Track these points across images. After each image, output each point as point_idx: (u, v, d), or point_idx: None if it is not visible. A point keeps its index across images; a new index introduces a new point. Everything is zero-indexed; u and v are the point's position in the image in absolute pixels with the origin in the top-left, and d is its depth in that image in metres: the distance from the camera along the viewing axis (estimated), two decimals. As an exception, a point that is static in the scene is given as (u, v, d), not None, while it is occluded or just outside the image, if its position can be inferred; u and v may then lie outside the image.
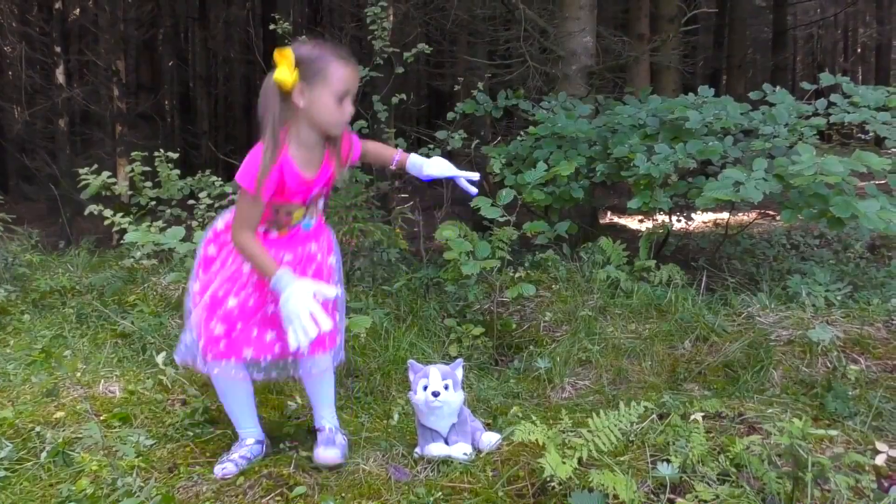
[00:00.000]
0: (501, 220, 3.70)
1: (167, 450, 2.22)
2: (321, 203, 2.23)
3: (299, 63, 1.96)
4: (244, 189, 2.00)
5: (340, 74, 1.98)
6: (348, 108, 2.03)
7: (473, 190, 2.36)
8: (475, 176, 2.34)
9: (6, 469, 2.05)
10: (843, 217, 3.52)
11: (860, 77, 26.26)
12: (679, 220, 5.43)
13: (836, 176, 3.48)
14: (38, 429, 2.25)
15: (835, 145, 6.88)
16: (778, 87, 4.53)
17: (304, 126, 2.03)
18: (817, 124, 4.14)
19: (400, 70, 5.13)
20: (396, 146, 5.06)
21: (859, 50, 28.16)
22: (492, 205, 3.70)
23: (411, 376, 2.18)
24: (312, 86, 1.97)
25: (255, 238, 2.06)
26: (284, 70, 1.96)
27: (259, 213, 2.05)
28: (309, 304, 1.90)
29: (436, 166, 2.33)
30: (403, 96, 5.02)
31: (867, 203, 3.52)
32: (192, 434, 2.33)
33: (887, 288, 3.89)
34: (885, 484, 1.87)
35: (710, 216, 7.39)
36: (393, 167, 2.36)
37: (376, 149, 2.41)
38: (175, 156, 4.59)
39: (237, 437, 2.24)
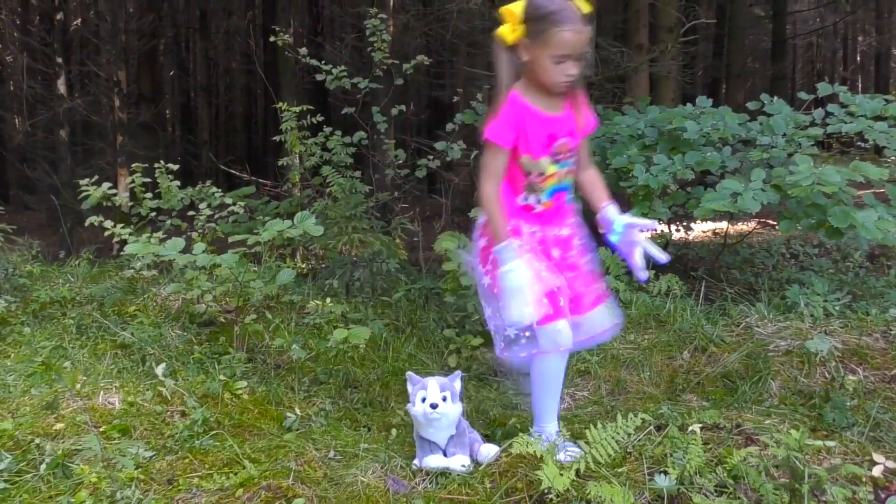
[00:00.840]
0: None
1: (166, 462, 2.22)
2: (572, 162, 2.23)
3: (526, 20, 2.07)
4: (485, 139, 2.12)
5: (560, 39, 2.03)
6: (570, 70, 2.07)
7: (663, 257, 2.24)
8: (663, 258, 2.24)
9: (6, 481, 2.05)
10: (840, 227, 3.53)
11: (860, 86, 26.33)
12: (678, 230, 5.43)
13: (833, 186, 3.49)
14: (37, 441, 2.25)
15: (835, 154, 6.90)
16: (775, 98, 4.55)
17: (531, 77, 2.13)
18: (815, 134, 4.15)
19: (399, 81, 5.16)
20: (396, 156, 5.10)
21: (859, 59, 28.24)
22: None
23: (410, 388, 2.19)
24: (535, 44, 2.07)
25: (499, 195, 2.13)
26: (507, 27, 2.09)
27: (502, 163, 2.13)
28: (532, 283, 2.01)
29: (626, 235, 2.24)
30: (403, 107, 5.04)
31: (865, 213, 3.53)
32: (190, 446, 2.33)
33: (885, 298, 3.90)
34: (883, 495, 1.87)
35: (709, 226, 7.39)
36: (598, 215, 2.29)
37: (592, 180, 2.34)
38: (175, 167, 4.61)
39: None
